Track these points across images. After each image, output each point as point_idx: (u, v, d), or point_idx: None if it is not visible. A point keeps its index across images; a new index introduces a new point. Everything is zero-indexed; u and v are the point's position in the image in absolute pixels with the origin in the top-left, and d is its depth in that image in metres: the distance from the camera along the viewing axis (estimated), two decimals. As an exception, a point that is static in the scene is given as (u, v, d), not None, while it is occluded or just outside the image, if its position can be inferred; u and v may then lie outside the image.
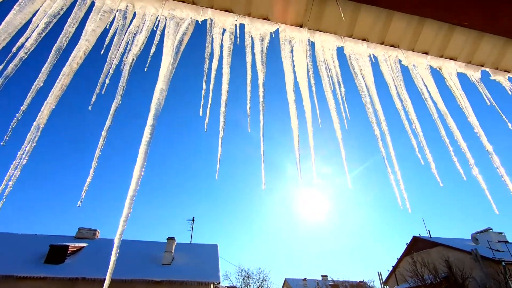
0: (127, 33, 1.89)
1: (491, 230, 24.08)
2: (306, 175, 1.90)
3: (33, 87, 1.52)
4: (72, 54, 1.68)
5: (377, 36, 2.24)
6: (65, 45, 1.69)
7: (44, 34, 1.65)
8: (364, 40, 2.26)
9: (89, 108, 1.64)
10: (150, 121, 1.55)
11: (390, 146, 2.00)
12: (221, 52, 2.01)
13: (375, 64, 2.27)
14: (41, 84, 1.55)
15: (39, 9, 1.68)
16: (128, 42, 1.87)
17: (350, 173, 1.96)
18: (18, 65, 1.53)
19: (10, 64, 1.50)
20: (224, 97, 1.90)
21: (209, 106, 1.85)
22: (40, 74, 1.56)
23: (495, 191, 2.15)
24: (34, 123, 1.46)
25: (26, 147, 1.38)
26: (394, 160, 1.97)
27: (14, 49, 1.55)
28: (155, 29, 1.92)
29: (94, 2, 1.83)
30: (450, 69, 2.43)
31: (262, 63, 2.03)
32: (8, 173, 1.32)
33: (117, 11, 1.90)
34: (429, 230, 27.77)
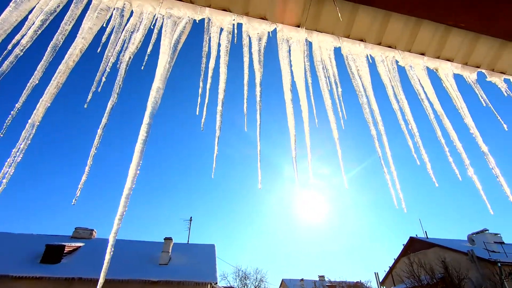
0: (124, 32, 1.88)
1: (487, 231, 24.24)
2: (303, 175, 1.91)
3: (28, 84, 1.51)
4: (68, 52, 1.67)
5: (374, 36, 2.25)
6: (61, 42, 1.68)
7: (40, 31, 1.64)
8: (362, 40, 2.26)
9: (85, 106, 1.63)
10: (146, 119, 1.55)
11: (386, 146, 2.01)
12: (219, 51, 2.01)
13: (372, 64, 2.28)
14: (37, 82, 1.54)
15: (35, 6, 1.67)
16: (125, 40, 1.86)
17: (347, 173, 1.97)
18: (14, 63, 1.52)
19: (5, 61, 1.49)
20: (221, 96, 1.90)
21: (205, 105, 1.84)
22: (36, 72, 1.55)
23: (491, 192, 2.17)
24: (29, 121, 1.45)
25: (21, 144, 1.37)
26: (390, 160, 1.97)
27: (9, 46, 1.54)
28: (152, 27, 1.92)
29: (91, 0, 1.83)
30: (447, 70, 2.45)
31: (259, 63, 2.03)
32: (2, 171, 1.31)
33: (114, 9, 1.89)
34: (426, 231, 27.90)
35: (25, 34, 1.60)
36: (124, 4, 1.91)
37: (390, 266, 29.09)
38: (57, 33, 1.67)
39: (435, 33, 2.27)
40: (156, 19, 1.94)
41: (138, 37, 1.89)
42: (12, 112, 1.41)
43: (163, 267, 19.47)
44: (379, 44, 2.29)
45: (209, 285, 18.34)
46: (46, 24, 1.67)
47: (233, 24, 2.05)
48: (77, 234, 22.77)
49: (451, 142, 2.16)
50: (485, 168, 2.13)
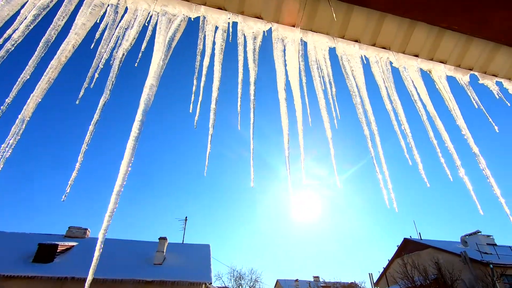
0: (118, 28, 1.87)
1: (480, 233, 24.50)
2: (297, 175, 1.91)
3: (19, 79, 1.49)
4: (61, 48, 1.65)
5: (369, 37, 2.27)
6: (54, 38, 1.66)
7: (32, 26, 1.63)
8: (356, 41, 2.28)
9: (77, 102, 1.62)
10: (139, 116, 1.54)
11: (379, 146, 2.03)
12: (213, 49, 2.00)
13: (366, 65, 2.29)
14: (28, 77, 1.52)
15: (28, 1, 1.65)
16: (119, 37, 1.85)
17: (343, 174, 1.98)
18: (5, 57, 1.50)
19: (-4, 56, 1.47)
20: (215, 94, 1.90)
21: (199, 103, 1.84)
22: (27, 67, 1.53)
23: (483, 193, 2.19)
24: (19, 116, 1.43)
25: (10, 139, 1.35)
26: (382, 160, 1.99)
27: (0, 41, 1.52)
28: (146, 24, 1.91)
29: (85, -4, 1.81)
30: (440, 72, 2.47)
31: (254, 62, 2.03)
32: (-10, 166, 1.29)
33: (108, 5, 1.88)
34: (420, 233, 28.14)
35: (17, 28, 1.58)
36: (119, 0, 1.90)
37: (384, 267, 29.28)
38: (49, 28, 1.66)
39: (429, 35, 2.30)
40: (151, 16, 1.93)
41: (132, 34, 1.88)
42: (2, 107, 1.39)
43: (158, 267, 19.36)
44: (374, 45, 2.31)
45: (203, 285, 18.27)
46: (39, 19, 1.66)
47: (228, 23, 2.05)
48: (71, 233, 22.53)
49: (443, 143, 2.18)
50: (477, 169, 2.16)
